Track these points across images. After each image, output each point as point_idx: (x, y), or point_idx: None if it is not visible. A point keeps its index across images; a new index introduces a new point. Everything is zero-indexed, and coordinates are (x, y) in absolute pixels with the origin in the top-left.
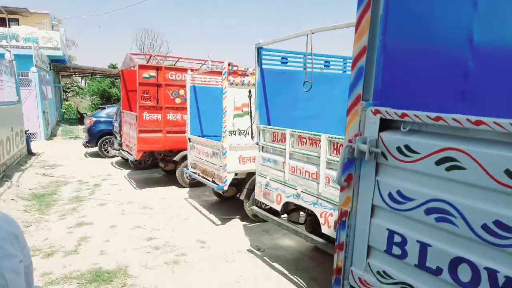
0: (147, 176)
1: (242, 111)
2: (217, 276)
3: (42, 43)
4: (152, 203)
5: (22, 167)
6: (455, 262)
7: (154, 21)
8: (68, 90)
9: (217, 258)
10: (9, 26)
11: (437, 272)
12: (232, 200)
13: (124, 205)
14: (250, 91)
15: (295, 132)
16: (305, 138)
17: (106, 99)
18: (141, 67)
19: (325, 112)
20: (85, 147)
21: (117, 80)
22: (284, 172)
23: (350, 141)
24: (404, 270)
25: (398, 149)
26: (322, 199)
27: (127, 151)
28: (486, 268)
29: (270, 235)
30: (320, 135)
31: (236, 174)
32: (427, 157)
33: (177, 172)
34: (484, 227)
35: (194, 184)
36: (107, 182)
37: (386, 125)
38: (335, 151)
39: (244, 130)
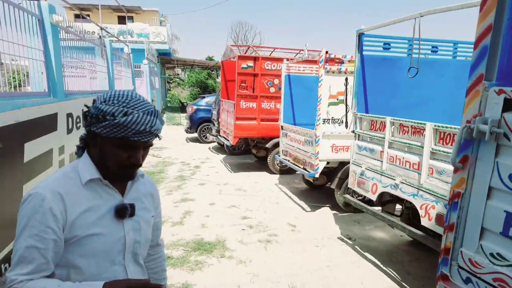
0: (240, 161)
1: (337, 99)
2: (308, 258)
3: (152, 38)
4: (246, 186)
5: None
6: None
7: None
8: (171, 81)
9: (307, 241)
10: (125, 23)
11: None
12: (322, 189)
13: (221, 186)
14: (346, 79)
15: (397, 120)
16: (407, 127)
17: (203, 89)
18: (240, 57)
19: (430, 101)
20: (186, 132)
21: (213, 72)
22: (382, 161)
23: (468, 121)
24: None
25: None
26: (423, 191)
27: (224, 137)
28: None
29: (361, 226)
30: (425, 124)
31: (328, 163)
32: None
33: (268, 159)
34: None
35: (284, 171)
36: (206, 165)
37: (510, 105)
38: (441, 141)
39: (339, 119)
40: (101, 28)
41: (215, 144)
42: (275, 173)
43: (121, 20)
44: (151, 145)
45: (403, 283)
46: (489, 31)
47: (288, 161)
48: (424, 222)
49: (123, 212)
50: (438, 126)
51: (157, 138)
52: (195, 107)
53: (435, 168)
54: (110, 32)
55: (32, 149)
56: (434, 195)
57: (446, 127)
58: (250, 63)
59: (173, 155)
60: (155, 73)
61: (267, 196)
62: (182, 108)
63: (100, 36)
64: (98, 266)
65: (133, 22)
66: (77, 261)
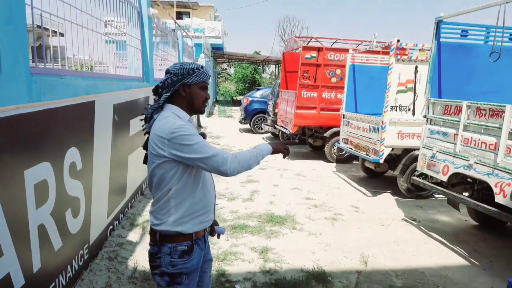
0: (296, 150)
1: (406, 87)
2: (375, 234)
3: (207, 33)
4: (305, 171)
5: None
6: None
7: (295, 8)
8: (219, 76)
9: (372, 221)
10: (182, 18)
11: None
12: (381, 177)
13: (281, 171)
14: (416, 67)
15: (474, 103)
16: (485, 110)
17: (250, 84)
18: (305, 48)
19: (504, 89)
20: (240, 123)
21: (259, 67)
22: (456, 143)
23: None
24: None
25: None
26: (499, 170)
27: (282, 126)
28: None
29: (424, 210)
30: (504, 106)
31: (392, 150)
32: None
33: (325, 147)
34: None
35: (341, 160)
36: None
37: None
38: None
39: (406, 106)
40: (175, 22)
41: (269, 134)
42: (332, 162)
43: (178, 16)
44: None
45: (471, 259)
46: None
47: (350, 148)
48: (499, 199)
49: (204, 136)
50: None
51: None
52: (250, 98)
53: None
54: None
55: (134, 125)
56: (510, 173)
57: None
58: (314, 54)
59: (230, 143)
60: (209, 67)
61: (327, 181)
62: (233, 102)
63: (174, 30)
64: None
65: (189, 17)
66: None
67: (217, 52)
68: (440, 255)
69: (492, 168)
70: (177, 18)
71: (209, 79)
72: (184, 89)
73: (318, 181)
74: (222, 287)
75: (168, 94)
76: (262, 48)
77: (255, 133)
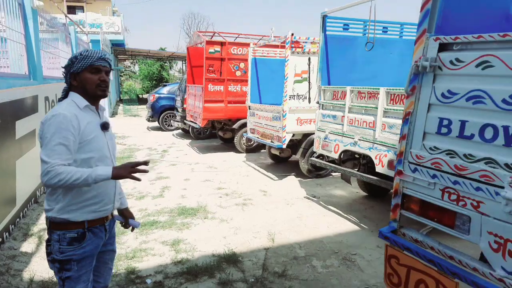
0: (207, 144)
1: (302, 77)
2: (281, 213)
3: (105, 29)
4: (216, 164)
5: None
6: (483, 127)
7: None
8: (122, 74)
9: (278, 202)
10: (75, 13)
11: (471, 137)
12: (286, 162)
13: (192, 165)
14: (309, 59)
15: (355, 88)
16: (364, 93)
17: (157, 81)
18: (208, 42)
19: (381, 75)
20: (148, 121)
21: (166, 63)
22: (343, 124)
23: (416, 61)
24: (447, 142)
25: (450, 61)
26: (377, 144)
27: (191, 121)
28: (502, 126)
29: (323, 187)
30: (379, 88)
31: (293, 135)
32: (470, 64)
33: (235, 139)
34: (503, 100)
35: (251, 150)
36: (173, 149)
37: (442, 48)
38: (391, 102)
39: (303, 95)
40: (65, 16)
41: (179, 131)
42: (242, 152)
43: (71, 10)
44: (109, 70)
45: (361, 224)
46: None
47: (257, 137)
48: (379, 169)
49: (106, 125)
50: (390, 89)
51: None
52: (157, 95)
53: (387, 124)
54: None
55: (22, 127)
56: (386, 146)
57: (395, 89)
58: (217, 48)
59: (138, 142)
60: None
61: (237, 171)
62: (138, 100)
63: (65, 24)
64: (100, 157)
65: (83, 12)
66: (88, 155)
67: (118, 48)
68: (336, 225)
69: (372, 143)
70: (69, 13)
71: (99, 60)
72: (75, 79)
73: (229, 172)
74: (132, 284)
75: (66, 87)
76: (168, 44)
77: (164, 131)
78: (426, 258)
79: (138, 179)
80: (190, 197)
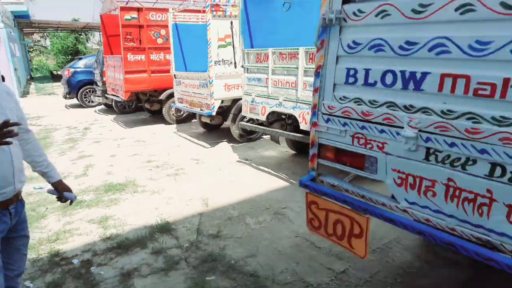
0: (133, 118)
1: (225, 42)
2: (214, 179)
3: None
4: (144, 137)
5: None
6: (384, 74)
7: None
8: (31, 50)
9: (211, 168)
10: None
11: (374, 84)
12: (218, 129)
13: (118, 141)
14: (231, 23)
15: (276, 50)
16: (285, 54)
17: (73, 55)
18: (123, 9)
19: (302, 36)
20: (65, 98)
21: (81, 36)
22: (268, 86)
23: (323, 15)
24: (354, 91)
25: (353, 13)
26: (300, 103)
27: (113, 94)
28: (400, 71)
29: (255, 150)
30: (298, 48)
31: (222, 102)
32: (370, 14)
33: (163, 110)
34: (400, 47)
35: (181, 120)
36: (96, 126)
37: (346, 0)
38: (310, 60)
39: (228, 60)
40: None
41: (102, 106)
42: (172, 123)
43: None
44: None
45: (291, 180)
46: None
47: (186, 107)
48: (303, 126)
49: None
50: (308, 49)
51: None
52: (72, 69)
53: (308, 82)
54: None
55: None
56: (308, 104)
57: (314, 48)
58: (134, 14)
59: (55, 122)
60: (14, 39)
61: (168, 142)
62: (53, 77)
63: None
64: None
65: None
66: None
67: (22, 20)
68: (268, 184)
69: (295, 102)
70: None
71: None
72: None
73: (160, 144)
74: (57, 266)
75: None
76: (82, 15)
77: (85, 107)
78: (341, 199)
79: (8, 143)
80: (117, 173)
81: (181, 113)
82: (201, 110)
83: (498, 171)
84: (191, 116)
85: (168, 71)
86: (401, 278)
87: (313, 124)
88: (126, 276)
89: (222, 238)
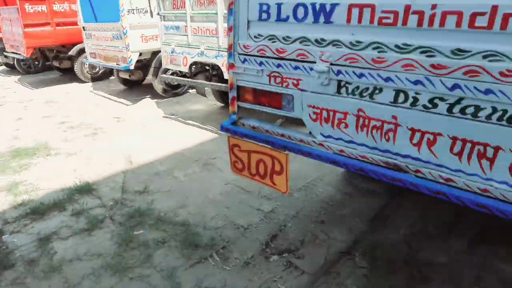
0: (42, 78)
1: None
2: (138, 136)
3: None
4: (56, 98)
5: None
6: (295, 8)
7: None
8: None
9: (135, 126)
10: None
11: (286, 19)
12: (140, 86)
13: (25, 103)
14: None
15: None
16: None
17: None
18: None
19: None
20: None
21: None
22: (187, 35)
23: None
24: (268, 28)
25: None
26: (222, 51)
27: (13, 52)
28: (310, 4)
29: (181, 105)
30: None
31: (140, 55)
32: None
33: (75, 67)
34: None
35: (97, 77)
36: None
37: None
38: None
39: (143, 8)
40: None
41: (3, 67)
42: (87, 81)
43: None
44: None
45: (219, 131)
46: None
47: (100, 62)
48: (226, 76)
49: None
50: None
51: None
52: None
53: None
54: None
55: None
56: None
57: None
58: None
59: None
60: None
61: (84, 102)
62: None
63: None
64: None
65: None
66: None
67: None
68: (196, 137)
69: (217, 50)
70: None
71: None
72: None
73: (74, 104)
74: None
75: None
76: None
77: None
78: (262, 140)
79: None
80: (25, 137)
81: (96, 69)
82: (117, 64)
83: (401, 97)
84: (108, 72)
85: (76, 23)
86: (325, 211)
87: (230, 66)
88: (44, 241)
89: (150, 193)
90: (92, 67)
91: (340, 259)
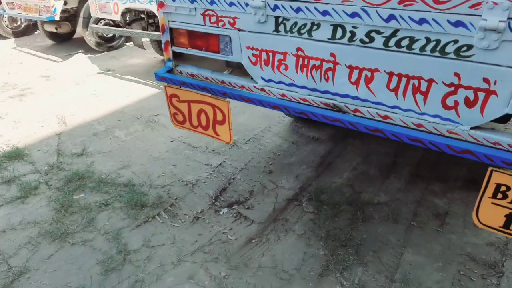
0: None
1: None
2: (71, 95)
3: None
4: None
5: None
6: None
7: None
8: None
9: (66, 84)
10: None
11: None
12: (70, 40)
13: None
14: None
15: None
16: None
17: None
18: None
19: None
20: None
21: None
22: None
23: None
24: None
25: None
26: None
27: None
28: None
29: (118, 59)
30: None
31: (66, 3)
32: None
33: None
34: None
35: (20, 32)
36: None
37: None
38: None
39: None
40: None
41: None
42: (8, 37)
43: None
44: None
45: (161, 86)
46: None
47: (20, 13)
48: None
49: None
50: None
51: None
52: None
53: None
54: None
55: None
56: None
57: None
58: None
59: None
60: None
61: (6, 60)
62: None
63: None
64: None
65: None
66: None
67: None
68: (136, 93)
69: None
70: None
71: None
72: None
73: None
74: None
75: None
76: None
77: None
78: (202, 87)
79: None
80: None
81: (18, 23)
82: (40, 15)
83: (339, 32)
84: (32, 26)
85: None
86: (272, 161)
87: (160, 5)
88: None
89: (89, 155)
90: (12, 20)
91: (288, 206)
